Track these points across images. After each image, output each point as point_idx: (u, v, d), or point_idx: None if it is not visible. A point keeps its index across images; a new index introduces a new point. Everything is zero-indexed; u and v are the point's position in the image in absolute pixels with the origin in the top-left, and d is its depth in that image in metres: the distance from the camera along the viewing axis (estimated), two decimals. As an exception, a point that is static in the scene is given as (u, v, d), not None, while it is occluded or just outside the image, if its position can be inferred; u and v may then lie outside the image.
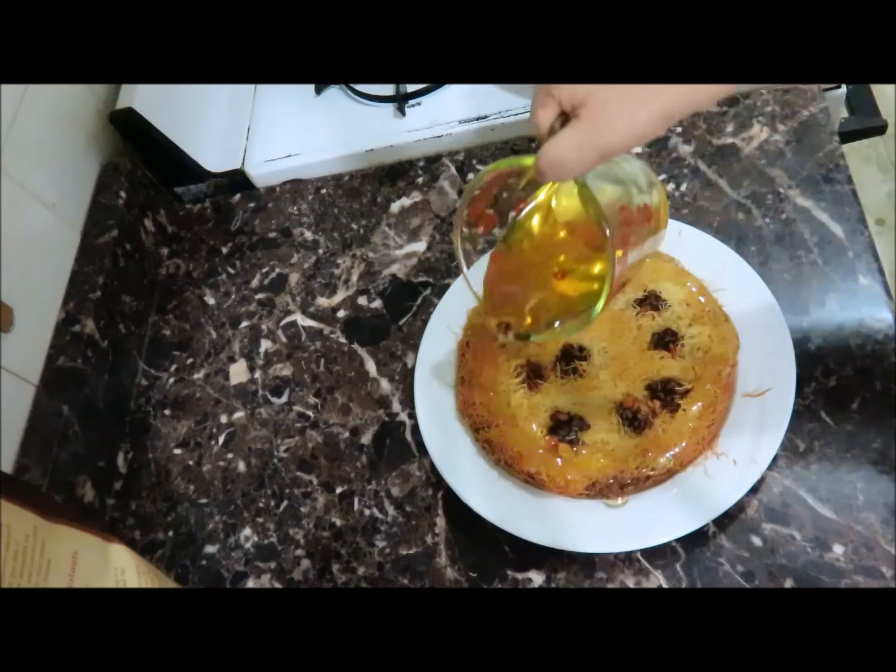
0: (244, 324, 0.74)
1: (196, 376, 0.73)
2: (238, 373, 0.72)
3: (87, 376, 0.67)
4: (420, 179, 0.78)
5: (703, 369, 0.56)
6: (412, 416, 0.64)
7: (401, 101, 0.79)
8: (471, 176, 0.76)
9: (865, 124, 0.78)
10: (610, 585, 0.54)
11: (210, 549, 0.64)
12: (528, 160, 0.44)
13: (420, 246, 0.74)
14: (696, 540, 0.53)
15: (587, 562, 0.55)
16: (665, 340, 0.58)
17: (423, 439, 0.60)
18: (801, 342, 0.58)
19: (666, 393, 0.56)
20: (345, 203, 0.79)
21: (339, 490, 0.63)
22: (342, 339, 0.71)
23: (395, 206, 0.77)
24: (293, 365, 0.71)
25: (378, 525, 0.61)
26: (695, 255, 0.61)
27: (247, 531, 0.64)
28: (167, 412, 0.71)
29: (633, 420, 0.56)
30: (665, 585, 0.53)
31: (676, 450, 0.54)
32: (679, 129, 0.72)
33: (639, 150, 0.72)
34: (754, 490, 0.53)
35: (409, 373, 0.66)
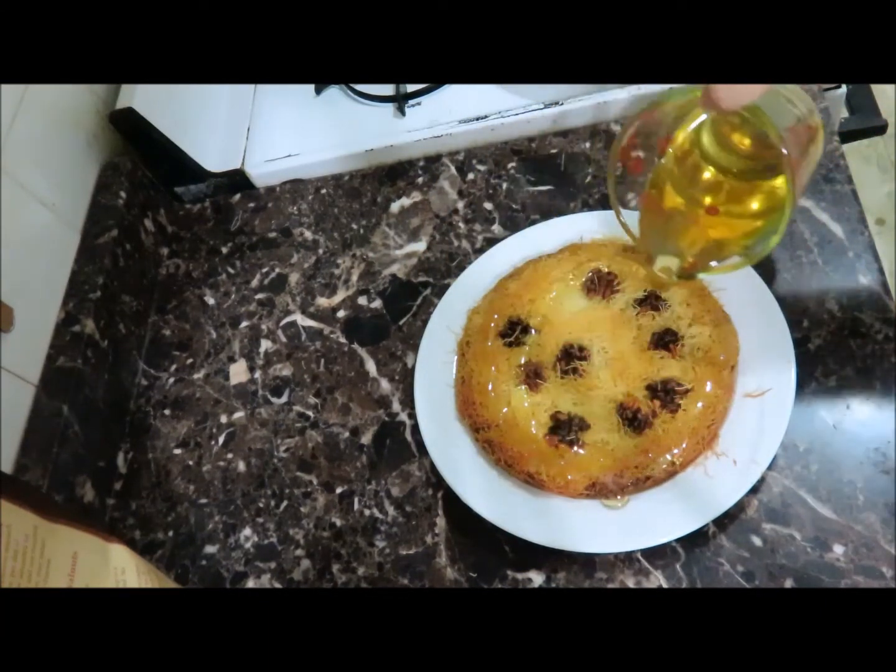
0: (244, 324, 0.74)
1: (196, 376, 0.73)
2: (238, 373, 0.72)
3: (87, 376, 0.67)
4: (420, 179, 0.78)
5: (703, 369, 0.56)
6: (412, 416, 0.64)
7: (401, 101, 0.79)
8: (471, 176, 0.76)
9: (865, 124, 0.78)
10: (610, 585, 0.54)
11: (210, 549, 0.64)
12: (689, 93, 0.43)
13: (420, 246, 0.74)
14: (696, 540, 0.53)
15: (587, 562, 0.55)
16: (665, 340, 0.58)
17: (423, 439, 0.60)
18: (801, 342, 0.58)
19: (666, 393, 0.56)
20: (345, 203, 0.79)
21: (339, 490, 0.63)
22: (342, 339, 0.71)
23: (395, 206, 0.77)
24: (293, 365, 0.71)
25: (378, 525, 0.61)
26: (695, 255, 0.61)
27: (247, 531, 0.64)
28: (167, 412, 0.71)
29: (633, 420, 0.56)
30: (665, 585, 0.53)
31: (676, 450, 0.54)
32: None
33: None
34: (754, 490, 0.53)
35: (409, 373, 0.66)
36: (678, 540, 0.53)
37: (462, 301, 0.66)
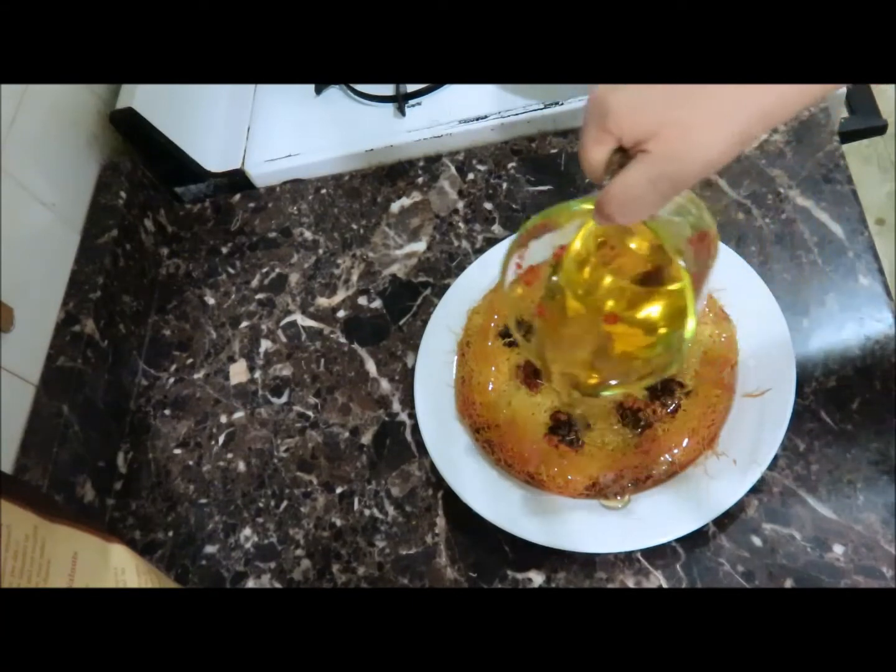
0: (244, 324, 0.74)
1: (196, 376, 0.73)
2: (238, 373, 0.72)
3: (87, 376, 0.67)
4: (420, 179, 0.78)
5: (703, 369, 0.56)
6: (412, 416, 0.64)
7: (401, 101, 0.79)
8: (471, 176, 0.76)
9: (865, 124, 0.78)
10: (610, 585, 0.54)
11: (210, 549, 0.64)
12: (584, 205, 0.41)
13: (420, 246, 0.74)
14: (696, 540, 0.53)
15: (587, 562, 0.55)
16: (665, 340, 0.58)
17: (423, 439, 0.60)
18: (801, 342, 0.58)
19: (666, 393, 0.56)
20: (345, 203, 0.79)
21: (339, 490, 0.63)
22: (342, 339, 0.71)
23: (395, 206, 0.77)
24: (293, 365, 0.71)
25: (378, 525, 0.61)
26: (695, 255, 0.61)
27: (247, 531, 0.64)
28: (167, 412, 0.71)
29: (633, 420, 0.56)
30: (665, 585, 0.53)
31: (676, 450, 0.54)
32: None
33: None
34: (754, 490, 0.53)
35: (409, 373, 0.66)
36: (678, 540, 0.53)
37: (462, 301, 0.66)
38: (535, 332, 0.51)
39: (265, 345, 0.73)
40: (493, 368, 0.60)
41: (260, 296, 0.76)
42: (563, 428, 0.57)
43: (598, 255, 0.47)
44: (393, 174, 0.79)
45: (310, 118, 0.83)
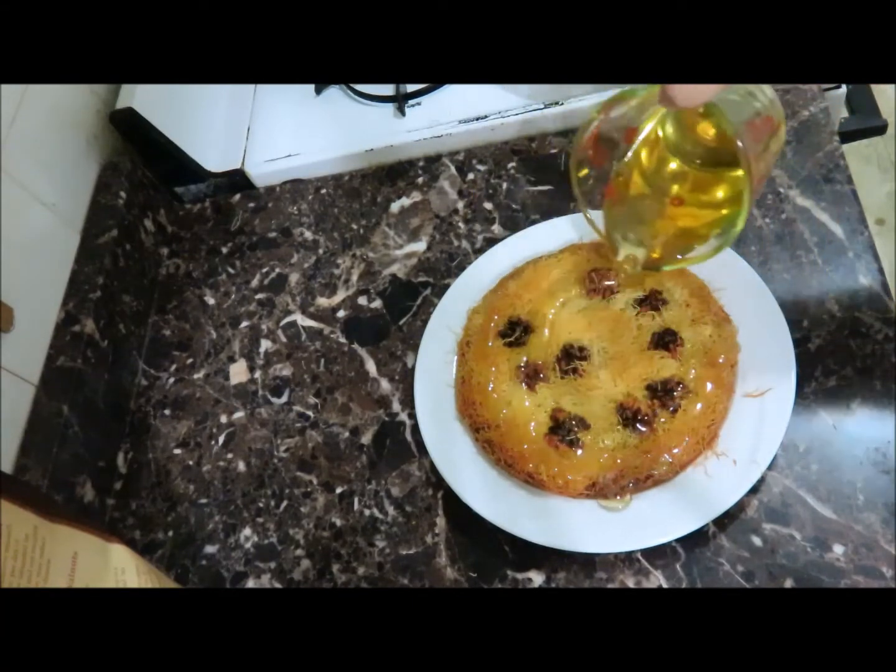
0: (244, 324, 0.74)
1: (196, 376, 0.73)
2: (238, 373, 0.72)
3: (87, 376, 0.67)
4: (420, 179, 0.78)
5: (703, 369, 0.56)
6: (412, 416, 0.64)
7: (401, 101, 0.79)
8: (471, 176, 0.76)
9: (865, 124, 0.78)
10: (610, 585, 0.54)
11: (210, 549, 0.64)
12: (650, 89, 0.44)
13: (420, 246, 0.74)
14: (696, 540, 0.53)
15: (587, 562, 0.55)
16: (665, 340, 0.58)
17: (423, 439, 0.60)
18: (801, 342, 0.58)
19: (666, 393, 0.56)
20: (345, 203, 0.79)
21: (339, 490, 0.63)
22: (342, 339, 0.71)
23: (395, 206, 0.77)
24: (293, 365, 0.71)
25: (378, 525, 0.61)
26: (695, 254, 0.61)
27: (247, 531, 0.64)
28: (167, 412, 0.71)
29: (633, 420, 0.56)
30: (665, 585, 0.53)
31: (676, 450, 0.54)
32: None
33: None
34: (754, 490, 0.53)
35: (409, 373, 0.66)
36: (678, 540, 0.53)
37: (462, 301, 0.66)
38: (605, 211, 0.55)
39: (265, 345, 0.73)
40: (493, 368, 0.60)
41: (260, 296, 0.76)
42: (563, 428, 0.57)
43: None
44: (393, 174, 0.79)
45: (310, 118, 0.83)
